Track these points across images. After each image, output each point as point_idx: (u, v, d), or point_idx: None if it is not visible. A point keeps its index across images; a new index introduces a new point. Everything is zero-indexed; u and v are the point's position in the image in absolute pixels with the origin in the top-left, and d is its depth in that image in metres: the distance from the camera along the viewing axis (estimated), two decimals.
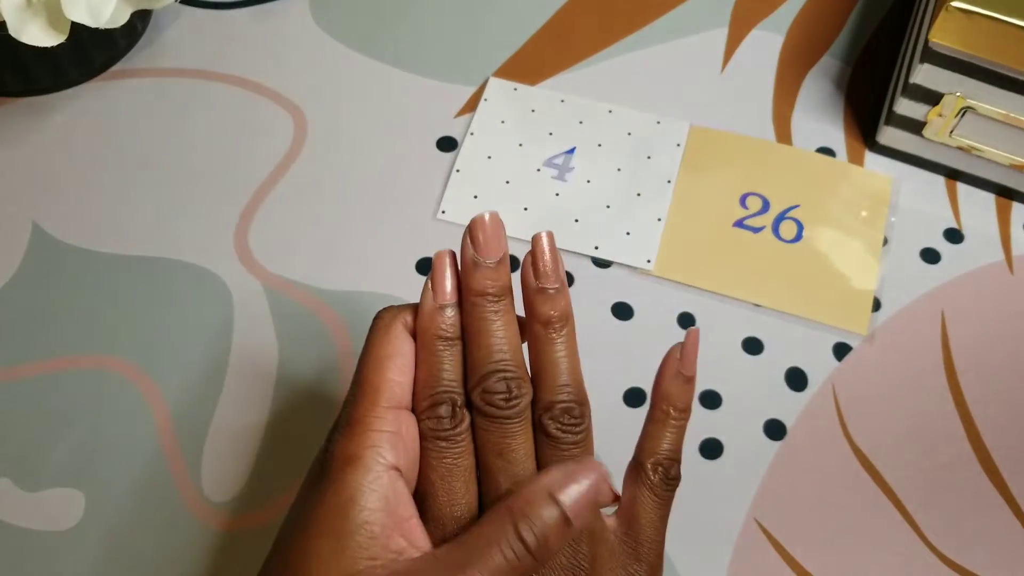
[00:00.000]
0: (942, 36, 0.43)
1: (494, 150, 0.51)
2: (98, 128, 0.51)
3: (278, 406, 0.43)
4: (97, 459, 0.42)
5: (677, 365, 0.32)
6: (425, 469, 0.30)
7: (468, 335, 0.31)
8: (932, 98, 0.46)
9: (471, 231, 0.31)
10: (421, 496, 0.30)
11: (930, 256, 0.48)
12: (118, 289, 0.46)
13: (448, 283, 0.31)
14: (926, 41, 0.44)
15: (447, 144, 0.51)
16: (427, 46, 0.55)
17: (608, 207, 0.49)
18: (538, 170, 0.50)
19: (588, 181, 0.50)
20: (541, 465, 0.31)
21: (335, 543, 0.27)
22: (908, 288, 0.47)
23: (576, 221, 0.48)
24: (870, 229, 0.48)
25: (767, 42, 0.55)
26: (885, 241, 0.48)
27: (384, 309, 0.32)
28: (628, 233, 0.48)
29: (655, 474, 0.31)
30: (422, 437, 0.30)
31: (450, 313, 0.31)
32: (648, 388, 0.42)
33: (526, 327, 0.32)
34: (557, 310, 0.31)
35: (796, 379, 0.44)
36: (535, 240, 0.32)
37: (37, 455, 0.42)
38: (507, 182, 0.50)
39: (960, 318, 0.46)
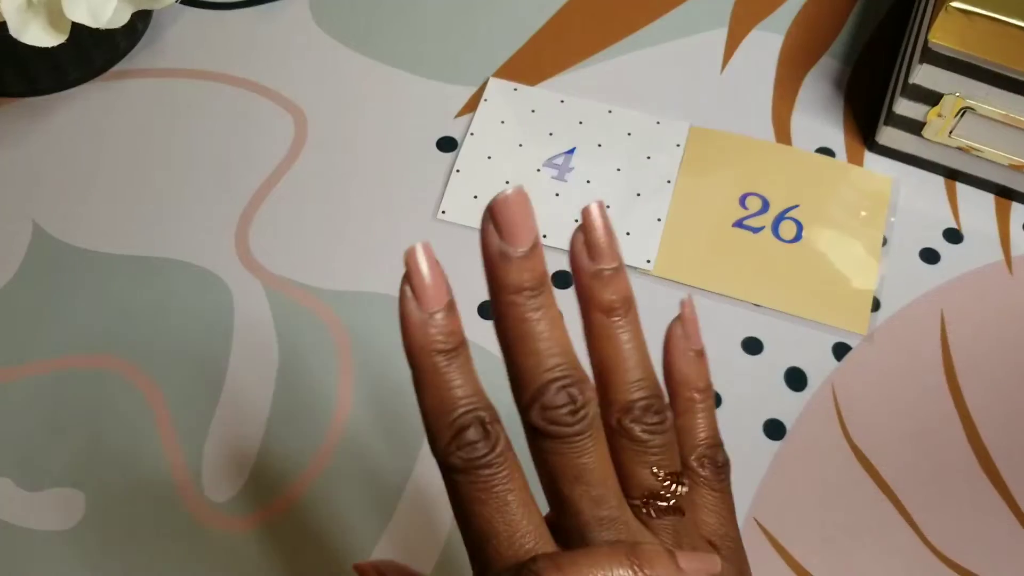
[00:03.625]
0: (942, 36, 0.43)
1: (494, 150, 0.51)
2: (99, 128, 0.51)
3: (278, 406, 0.44)
4: (97, 459, 0.42)
5: (683, 343, 0.29)
6: (473, 507, 0.25)
7: (508, 343, 0.26)
8: (931, 98, 0.46)
9: (494, 215, 0.25)
10: (477, 541, 0.25)
11: (929, 256, 0.48)
12: (118, 289, 0.46)
13: (430, 282, 0.25)
14: (925, 41, 0.44)
15: (447, 144, 0.51)
16: (427, 46, 0.55)
17: (608, 207, 0.49)
18: (538, 170, 0.50)
19: (588, 181, 0.50)
20: (624, 475, 0.26)
21: None
22: (907, 288, 0.47)
23: (576, 221, 0.48)
24: (869, 229, 0.48)
25: (767, 42, 0.55)
26: (884, 241, 0.48)
27: None
28: (628, 233, 0.48)
29: (704, 468, 0.28)
30: (455, 472, 0.24)
31: (440, 319, 0.25)
32: None
33: (583, 318, 0.27)
34: (619, 293, 0.26)
35: (796, 379, 0.45)
36: (585, 212, 0.26)
37: (37, 455, 0.42)
38: (507, 182, 0.50)
39: (959, 318, 0.46)
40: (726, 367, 0.45)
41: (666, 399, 0.27)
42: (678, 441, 0.28)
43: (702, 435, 0.29)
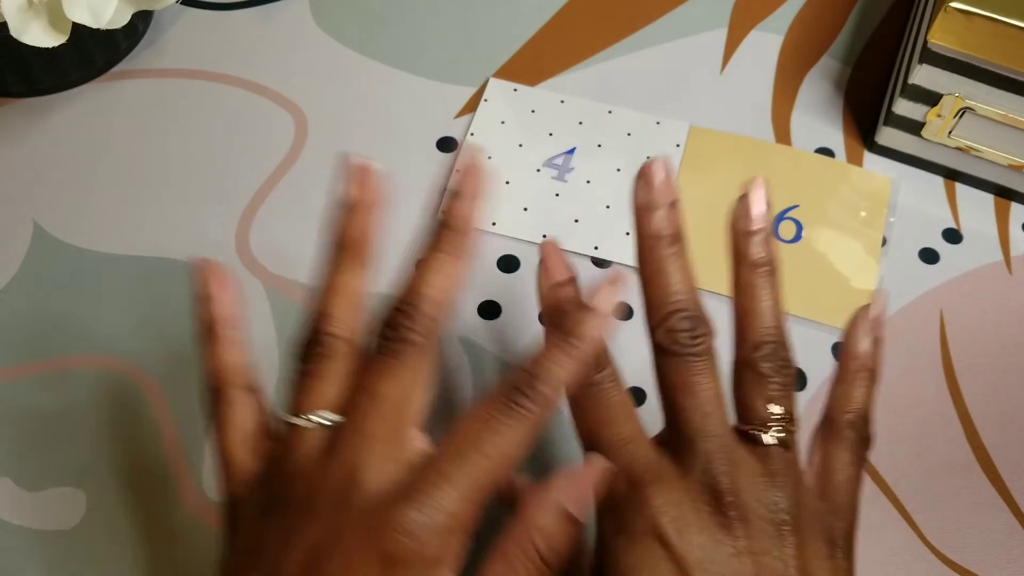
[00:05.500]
0: (941, 37, 0.43)
1: (494, 150, 0.51)
2: (99, 128, 0.51)
3: (278, 405, 0.43)
4: (98, 459, 0.42)
5: (866, 326, 0.32)
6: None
7: (645, 277, 0.31)
8: (931, 99, 0.46)
9: (643, 176, 0.31)
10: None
11: (929, 256, 0.48)
12: (118, 289, 0.46)
13: (555, 263, 0.33)
14: (925, 42, 0.44)
15: (447, 144, 0.51)
16: (427, 47, 0.55)
17: (608, 207, 0.49)
18: (538, 170, 0.50)
19: (588, 181, 0.50)
20: (743, 404, 0.30)
21: None
22: (907, 288, 0.47)
23: (576, 221, 0.48)
24: (869, 229, 0.48)
25: (766, 43, 0.55)
26: (884, 241, 0.48)
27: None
28: (628, 233, 0.48)
29: (851, 430, 0.31)
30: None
31: (565, 287, 0.33)
32: (649, 388, 0.42)
33: (733, 272, 0.32)
34: (766, 253, 0.31)
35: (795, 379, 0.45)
36: (751, 186, 0.32)
37: (38, 455, 0.42)
38: (507, 182, 0.50)
39: (959, 318, 0.46)
40: (725, 367, 0.45)
41: (794, 357, 0.31)
42: (831, 404, 0.32)
43: (857, 404, 0.31)
